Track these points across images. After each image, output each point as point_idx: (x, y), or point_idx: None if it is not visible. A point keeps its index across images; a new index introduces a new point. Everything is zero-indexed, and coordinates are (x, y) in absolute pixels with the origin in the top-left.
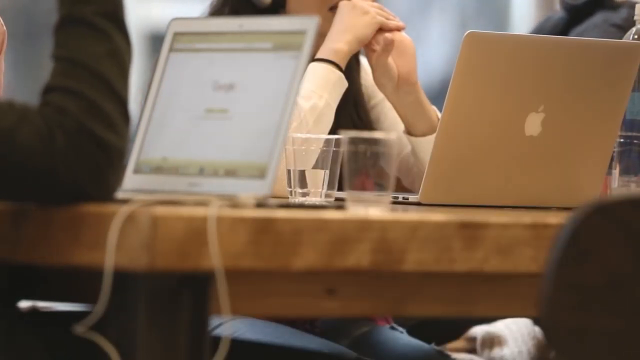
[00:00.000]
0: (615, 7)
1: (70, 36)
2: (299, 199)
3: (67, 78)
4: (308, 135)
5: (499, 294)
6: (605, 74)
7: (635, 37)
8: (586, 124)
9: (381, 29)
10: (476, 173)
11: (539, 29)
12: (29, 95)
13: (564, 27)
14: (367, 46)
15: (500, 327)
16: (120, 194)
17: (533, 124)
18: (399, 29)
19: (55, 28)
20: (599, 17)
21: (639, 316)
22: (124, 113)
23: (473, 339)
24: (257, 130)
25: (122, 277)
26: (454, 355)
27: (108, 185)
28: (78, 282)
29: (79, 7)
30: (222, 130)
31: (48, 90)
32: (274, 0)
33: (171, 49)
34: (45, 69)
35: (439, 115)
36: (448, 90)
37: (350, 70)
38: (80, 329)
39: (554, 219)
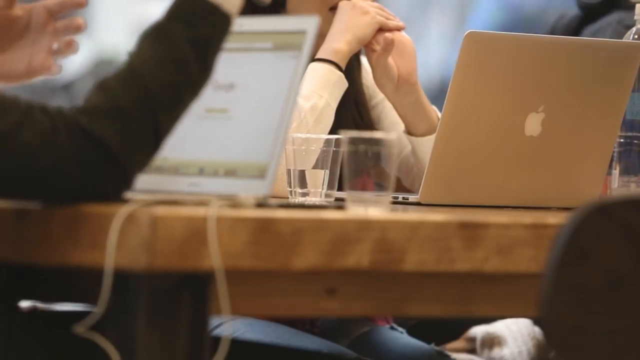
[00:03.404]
0: (630, 8)
1: (151, 48)
2: (299, 199)
3: (120, 84)
4: (308, 135)
5: (499, 294)
6: (605, 74)
7: (635, 37)
8: (586, 124)
9: (381, 29)
10: (476, 173)
11: (552, 27)
12: (31, 95)
13: (578, 25)
14: (367, 46)
15: (500, 327)
16: None
17: (533, 124)
18: (399, 29)
19: (146, 31)
20: (613, 17)
21: (638, 316)
22: (152, 140)
23: (473, 339)
24: (257, 130)
25: (122, 277)
26: (454, 355)
27: (106, 192)
28: (78, 282)
29: (175, 25)
30: (222, 130)
31: (99, 83)
32: (274, 0)
33: None
34: None
35: (439, 115)
36: (448, 90)
37: (351, 70)
38: (80, 329)
39: (554, 219)
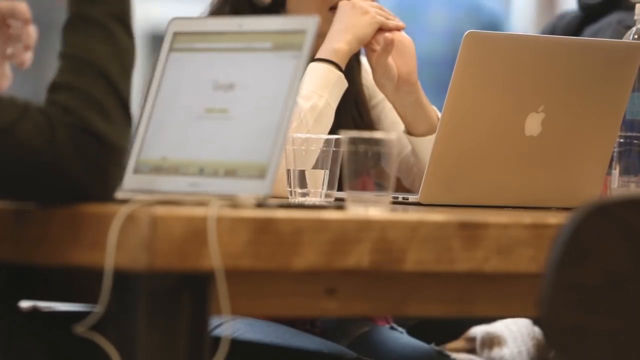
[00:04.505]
0: (630, 8)
1: (79, 35)
2: (299, 199)
3: (74, 76)
4: (308, 135)
5: (499, 294)
6: (605, 74)
7: (635, 37)
8: (586, 124)
9: (381, 29)
10: (476, 173)
11: (552, 27)
12: (32, 95)
13: (578, 25)
14: (367, 46)
15: (500, 327)
16: (120, 194)
17: (533, 124)
18: (398, 29)
19: (65, 26)
20: (614, 17)
21: (638, 316)
22: (126, 113)
23: (473, 339)
24: (257, 130)
25: (122, 277)
26: (454, 355)
27: (108, 183)
28: (78, 282)
29: (88, 6)
30: (222, 130)
31: (54, 87)
32: (274, 0)
33: (171, 49)
34: (47, 68)
35: (439, 115)
36: (448, 90)
37: (351, 70)
38: (80, 329)
39: (554, 219)
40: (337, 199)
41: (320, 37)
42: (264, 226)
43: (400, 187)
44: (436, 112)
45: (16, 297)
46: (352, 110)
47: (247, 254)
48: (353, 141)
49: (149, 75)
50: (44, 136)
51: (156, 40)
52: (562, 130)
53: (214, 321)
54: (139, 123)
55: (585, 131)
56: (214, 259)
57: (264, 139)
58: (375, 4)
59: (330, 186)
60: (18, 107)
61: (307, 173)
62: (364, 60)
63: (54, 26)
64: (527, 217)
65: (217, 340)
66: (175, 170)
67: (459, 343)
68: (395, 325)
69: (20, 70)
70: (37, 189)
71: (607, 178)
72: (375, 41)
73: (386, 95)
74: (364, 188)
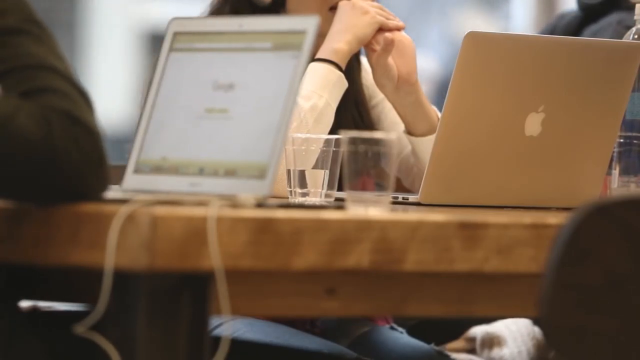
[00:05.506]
0: (630, 8)
1: (10, 48)
2: (299, 199)
3: (35, 81)
4: (308, 135)
5: (499, 294)
6: (605, 74)
7: (635, 37)
8: (586, 124)
9: (381, 29)
10: (476, 173)
11: (552, 27)
12: None
13: (578, 25)
14: (367, 46)
15: (500, 327)
16: (120, 194)
17: (533, 124)
18: (398, 29)
19: None
20: (614, 17)
21: (638, 316)
22: (86, 99)
23: (473, 339)
24: (257, 130)
25: (122, 277)
26: (454, 355)
27: (105, 172)
28: (78, 282)
29: (1, 22)
30: (222, 130)
31: (24, 96)
32: (274, 0)
33: (171, 49)
34: None
35: (439, 115)
36: (448, 90)
37: (351, 70)
38: (80, 329)
39: (554, 219)
40: (337, 199)
41: (320, 37)
42: (264, 226)
43: (400, 187)
44: (436, 112)
45: (16, 297)
46: (352, 110)
47: (247, 254)
48: (353, 141)
49: (149, 75)
50: (41, 127)
51: (156, 40)
52: (562, 130)
53: (214, 321)
54: (139, 123)
55: (585, 131)
56: (214, 259)
57: (264, 139)
58: (375, 4)
59: (330, 186)
60: (13, 101)
61: (307, 173)
62: (364, 60)
63: (54, 26)
64: (527, 217)
65: (217, 340)
66: (175, 170)
67: (459, 343)
68: (395, 325)
69: None
70: (37, 185)
71: (607, 178)
72: (375, 41)
73: (386, 95)
74: (364, 188)
